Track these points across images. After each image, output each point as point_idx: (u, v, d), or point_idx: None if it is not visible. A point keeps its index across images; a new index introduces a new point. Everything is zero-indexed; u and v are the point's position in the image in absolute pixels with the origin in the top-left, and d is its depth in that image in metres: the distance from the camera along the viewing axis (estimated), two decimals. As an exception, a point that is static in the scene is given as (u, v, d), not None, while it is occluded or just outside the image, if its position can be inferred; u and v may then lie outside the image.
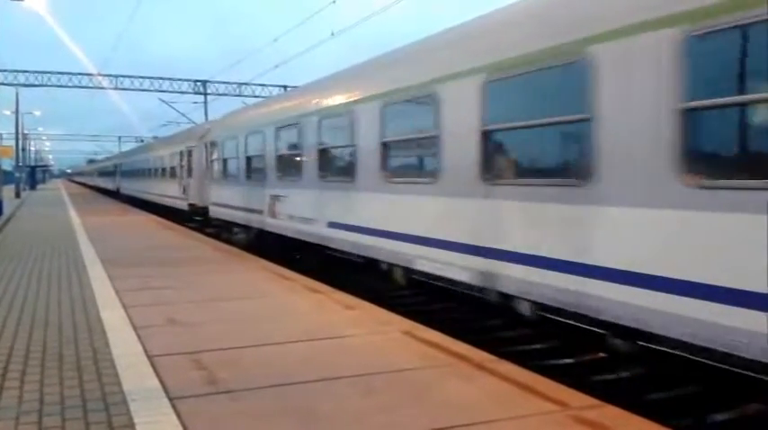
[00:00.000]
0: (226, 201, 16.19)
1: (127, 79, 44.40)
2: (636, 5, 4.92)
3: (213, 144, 17.55)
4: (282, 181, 12.21)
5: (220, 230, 17.40)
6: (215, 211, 17.44)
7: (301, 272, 10.21)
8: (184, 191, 22.28)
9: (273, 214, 12.56)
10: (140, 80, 44.74)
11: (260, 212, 13.32)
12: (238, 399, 4.42)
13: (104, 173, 64.42)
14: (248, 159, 14.31)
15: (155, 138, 46.16)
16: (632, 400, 5.46)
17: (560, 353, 7.77)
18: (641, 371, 6.88)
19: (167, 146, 27.31)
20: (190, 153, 21.57)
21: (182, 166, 22.90)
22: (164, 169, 27.11)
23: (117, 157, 56.04)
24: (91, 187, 74.99)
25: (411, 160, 8.73)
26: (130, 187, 40.41)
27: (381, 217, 8.66)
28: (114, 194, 47.89)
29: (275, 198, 12.46)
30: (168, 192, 25.66)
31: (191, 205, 21.45)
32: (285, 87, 42.25)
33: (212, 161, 17.75)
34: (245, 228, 14.74)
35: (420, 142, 8.09)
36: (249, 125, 14.47)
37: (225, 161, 16.33)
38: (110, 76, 43.83)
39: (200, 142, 20.00)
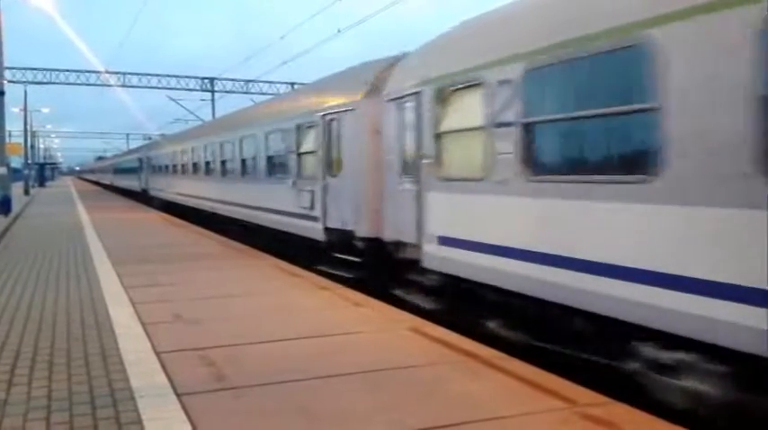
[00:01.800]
0: (558, 244, 5.77)
1: (135, 77, 44.73)
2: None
3: (449, 95, 7.55)
4: None
5: (476, 314, 7.17)
6: (453, 263, 7.37)
7: None
8: (312, 204, 11.62)
9: None
10: (148, 78, 45.05)
11: None
12: (246, 396, 4.44)
13: (122, 169, 49.67)
14: None
15: (162, 135, 41.97)
16: (639, 397, 5.43)
17: (568, 351, 7.71)
18: (648, 369, 6.83)
19: (252, 121, 16.18)
20: (329, 127, 10.95)
21: (300, 156, 12.30)
22: (244, 161, 16.17)
23: (144, 149, 38.94)
24: (105, 186, 63.65)
25: None
26: (168, 189, 27.51)
27: None
28: (138, 196, 36.61)
29: None
30: (264, 201, 14.29)
31: (330, 231, 10.86)
32: (293, 84, 42.31)
33: (439, 135, 7.67)
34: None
35: None
36: None
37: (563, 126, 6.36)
38: (117, 73, 44.12)
39: (367, 98, 9.83)
